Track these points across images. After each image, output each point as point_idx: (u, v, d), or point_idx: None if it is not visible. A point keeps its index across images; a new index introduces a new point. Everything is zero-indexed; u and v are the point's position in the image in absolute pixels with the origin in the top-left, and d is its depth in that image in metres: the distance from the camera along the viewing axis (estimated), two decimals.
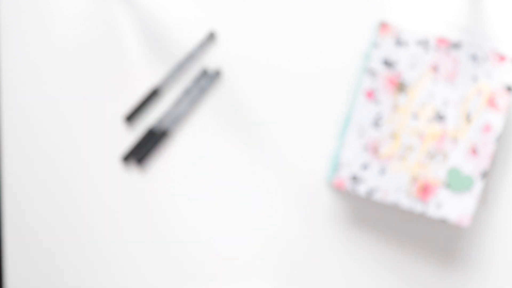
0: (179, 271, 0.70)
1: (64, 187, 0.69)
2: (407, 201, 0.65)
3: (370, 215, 0.69)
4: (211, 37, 0.68)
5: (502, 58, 0.64)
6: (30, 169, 0.69)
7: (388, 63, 0.64)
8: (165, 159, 0.69)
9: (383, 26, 0.64)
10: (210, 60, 0.69)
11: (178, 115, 0.68)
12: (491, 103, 0.64)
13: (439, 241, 0.70)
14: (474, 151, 0.64)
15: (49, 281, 0.70)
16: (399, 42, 0.64)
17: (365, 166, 0.65)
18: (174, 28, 0.69)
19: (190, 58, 0.68)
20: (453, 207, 0.65)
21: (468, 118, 0.64)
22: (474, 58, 0.64)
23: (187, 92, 0.68)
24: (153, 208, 0.69)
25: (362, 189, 0.65)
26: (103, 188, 0.69)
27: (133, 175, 0.69)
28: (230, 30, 0.68)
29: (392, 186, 0.64)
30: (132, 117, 0.68)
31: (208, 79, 0.67)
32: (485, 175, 0.64)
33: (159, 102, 0.69)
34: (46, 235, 0.70)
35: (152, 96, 0.68)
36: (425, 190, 0.65)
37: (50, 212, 0.69)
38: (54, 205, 0.69)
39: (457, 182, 0.64)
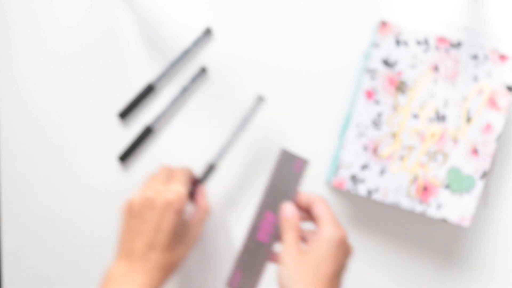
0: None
1: (59, 183, 0.69)
2: (407, 201, 0.64)
3: (370, 215, 0.69)
4: (207, 33, 0.67)
5: (502, 57, 0.64)
6: (25, 164, 0.69)
7: (388, 63, 0.64)
8: (160, 156, 0.69)
9: (383, 25, 0.64)
10: (207, 56, 0.68)
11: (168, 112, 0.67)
12: (492, 103, 0.64)
13: (439, 241, 0.69)
14: (474, 151, 0.64)
15: (46, 279, 0.70)
16: (399, 42, 0.64)
17: (365, 166, 0.64)
18: (172, 25, 0.68)
19: (186, 54, 0.68)
20: (453, 207, 0.64)
21: (468, 118, 0.64)
22: (474, 57, 0.64)
23: (183, 90, 0.68)
24: None
25: (362, 189, 0.64)
26: (97, 184, 0.69)
27: (127, 171, 0.69)
28: (228, 27, 0.68)
29: (392, 186, 0.64)
30: (126, 114, 0.68)
31: (201, 76, 0.67)
32: (485, 175, 0.64)
33: (155, 99, 0.69)
34: (42, 232, 0.69)
35: (147, 92, 0.68)
36: (425, 190, 0.64)
37: (45, 209, 0.69)
38: (49, 202, 0.69)
39: (457, 182, 0.64)
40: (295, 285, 0.52)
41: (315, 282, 0.52)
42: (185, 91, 0.68)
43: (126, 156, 0.68)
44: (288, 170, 0.58)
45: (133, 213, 0.57)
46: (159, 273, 0.57)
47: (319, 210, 0.55)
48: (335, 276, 0.53)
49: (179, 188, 0.58)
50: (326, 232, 0.54)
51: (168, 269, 0.58)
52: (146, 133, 0.68)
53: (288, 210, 0.56)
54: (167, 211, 0.57)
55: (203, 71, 0.67)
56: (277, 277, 0.54)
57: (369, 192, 0.64)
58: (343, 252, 0.54)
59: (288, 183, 0.58)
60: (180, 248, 0.58)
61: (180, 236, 0.58)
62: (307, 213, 0.58)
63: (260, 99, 0.63)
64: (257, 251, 0.58)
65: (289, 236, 0.55)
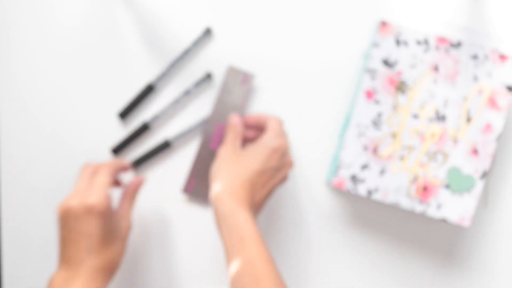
0: (179, 270, 0.70)
1: (59, 182, 0.69)
2: (407, 201, 0.64)
3: (370, 215, 0.69)
4: (207, 33, 0.67)
5: (502, 57, 0.64)
6: (25, 164, 0.69)
7: (388, 63, 0.64)
8: (162, 159, 0.69)
9: (383, 25, 0.64)
10: (207, 57, 0.68)
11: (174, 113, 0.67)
12: (492, 103, 0.64)
13: (439, 241, 0.69)
14: (474, 151, 0.64)
15: (46, 279, 0.70)
16: (399, 42, 0.64)
17: (365, 166, 0.64)
18: (172, 25, 0.68)
19: (186, 54, 0.68)
20: (453, 207, 0.64)
21: (468, 118, 0.64)
22: (474, 57, 0.64)
23: (186, 93, 0.68)
24: (147, 204, 0.69)
25: (362, 189, 0.64)
26: None
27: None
28: (228, 27, 0.68)
29: (392, 186, 0.64)
30: (126, 113, 0.68)
31: (206, 82, 0.67)
32: (485, 175, 0.64)
33: (155, 99, 0.69)
34: (43, 232, 0.69)
35: (146, 92, 0.68)
36: (425, 190, 0.64)
37: (45, 209, 0.69)
38: (49, 201, 0.69)
39: (457, 182, 0.64)
40: (220, 173, 0.58)
41: (238, 173, 0.57)
42: (187, 94, 0.68)
43: (120, 149, 0.69)
44: (235, 84, 0.66)
45: (61, 223, 0.58)
46: (100, 275, 0.57)
47: (270, 124, 0.62)
48: (260, 174, 0.58)
49: (99, 190, 0.58)
50: (265, 138, 0.59)
51: (110, 268, 0.58)
52: (143, 130, 0.68)
53: (234, 118, 0.63)
54: (89, 216, 0.56)
55: (208, 77, 0.67)
56: (210, 170, 0.60)
57: (369, 192, 0.64)
58: (277, 159, 0.59)
59: (236, 96, 0.66)
60: (116, 244, 0.59)
61: (112, 233, 0.58)
62: (258, 131, 0.64)
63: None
64: (210, 158, 0.66)
65: (229, 135, 0.62)
